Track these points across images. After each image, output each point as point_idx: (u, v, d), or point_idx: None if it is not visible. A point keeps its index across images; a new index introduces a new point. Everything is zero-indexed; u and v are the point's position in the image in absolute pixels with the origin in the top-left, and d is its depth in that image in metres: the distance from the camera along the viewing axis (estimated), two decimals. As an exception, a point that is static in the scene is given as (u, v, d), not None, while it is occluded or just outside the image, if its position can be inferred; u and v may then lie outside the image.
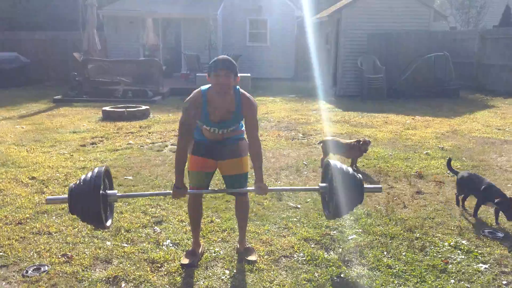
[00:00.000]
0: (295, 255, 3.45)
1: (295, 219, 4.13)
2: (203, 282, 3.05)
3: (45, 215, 4.16)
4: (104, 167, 3.10)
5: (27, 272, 3.13)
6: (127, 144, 7.13)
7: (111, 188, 3.29)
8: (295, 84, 16.87)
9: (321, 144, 5.82)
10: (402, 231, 3.85)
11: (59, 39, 17.27)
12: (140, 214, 4.18)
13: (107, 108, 9.61)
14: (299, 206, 4.46)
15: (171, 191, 3.15)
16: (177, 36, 18.38)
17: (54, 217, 4.11)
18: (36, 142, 7.15)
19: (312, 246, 3.61)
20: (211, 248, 3.56)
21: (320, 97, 12.88)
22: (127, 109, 9.49)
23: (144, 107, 9.84)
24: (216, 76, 2.92)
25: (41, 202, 4.47)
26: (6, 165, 5.78)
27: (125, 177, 5.31)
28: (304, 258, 3.39)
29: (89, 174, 2.98)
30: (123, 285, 3.01)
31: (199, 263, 3.30)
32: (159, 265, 3.27)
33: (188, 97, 3.10)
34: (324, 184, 3.30)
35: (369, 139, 5.75)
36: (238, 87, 3.08)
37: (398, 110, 10.57)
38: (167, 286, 3.00)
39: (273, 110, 10.78)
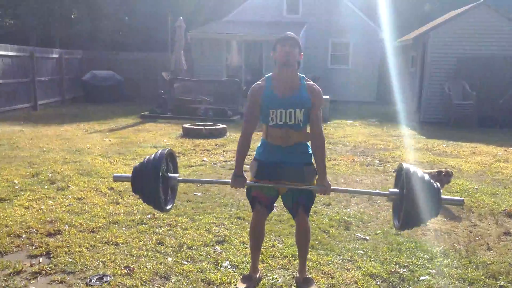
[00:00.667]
0: (357, 291, 3.23)
1: (361, 252, 3.89)
2: (256, 309, 2.95)
3: (116, 225, 4.32)
4: (167, 150, 3.13)
5: (90, 280, 3.24)
6: (202, 161, 7.29)
7: (175, 171, 3.31)
8: (377, 108, 16.37)
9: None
10: (483, 277, 3.46)
11: (150, 59, 18.34)
12: (204, 232, 4.20)
13: (187, 126, 9.95)
14: (367, 237, 4.21)
15: (230, 180, 3.12)
16: (259, 58, 18.72)
17: (124, 228, 4.26)
18: (119, 155, 7.55)
19: (378, 283, 3.36)
20: (270, 274, 3.45)
21: (402, 122, 12.34)
22: (205, 127, 9.75)
23: (221, 126, 10.06)
24: (282, 47, 2.97)
25: (114, 212, 4.67)
26: (90, 174, 6.14)
27: (194, 193, 5.39)
28: (366, 295, 3.17)
29: (153, 156, 3.04)
30: (177, 303, 3.00)
31: (255, 288, 3.21)
32: (215, 287, 3.22)
33: (253, 85, 3.13)
34: (395, 190, 3.06)
35: (452, 170, 5.34)
36: (303, 75, 3.09)
37: (489, 139, 9.79)
38: (220, 309, 2.94)
39: (350, 134, 10.49)
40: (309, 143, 3.19)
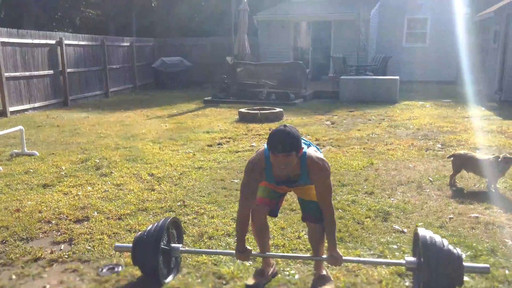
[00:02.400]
0: (379, 293, 2.88)
1: (394, 246, 3.50)
2: (261, 309, 2.72)
3: (144, 212, 4.29)
4: (170, 219, 3.05)
5: (102, 270, 3.20)
6: (250, 146, 7.12)
7: (180, 239, 3.26)
8: (454, 88, 15.12)
9: (451, 158, 4.93)
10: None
11: (217, 44, 18.42)
12: (229, 221, 4.03)
13: (243, 110, 9.83)
14: (405, 230, 3.80)
15: (234, 252, 2.94)
16: (327, 39, 18.06)
17: (150, 216, 4.21)
18: (170, 140, 7.60)
19: (406, 284, 2.98)
20: (287, 269, 3.20)
21: (479, 103, 11.28)
22: (261, 111, 9.56)
23: (278, 110, 9.81)
24: (274, 156, 2.52)
25: (146, 199, 4.65)
26: (135, 160, 6.22)
27: (232, 180, 5.25)
28: (388, 299, 2.81)
29: (153, 226, 2.97)
30: (180, 298, 2.86)
31: (268, 285, 2.99)
32: (224, 282, 3.04)
33: (251, 158, 2.79)
34: (411, 259, 2.80)
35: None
36: (305, 150, 2.68)
37: None
38: (222, 307, 2.75)
39: (416, 116, 9.75)
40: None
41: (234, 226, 3.90)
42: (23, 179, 5.29)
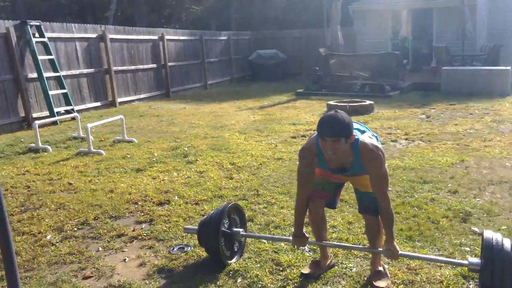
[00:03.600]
0: (437, 294, 2.78)
1: (467, 249, 3.32)
2: (312, 298, 2.78)
3: (219, 199, 4.53)
4: (230, 204, 3.23)
5: (173, 249, 3.49)
6: (333, 139, 7.07)
7: (243, 223, 3.42)
8: None
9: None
10: None
11: (311, 35, 18.37)
12: (298, 212, 4.10)
13: (331, 102, 9.75)
14: (479, 231, 3.56)
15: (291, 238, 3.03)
16: (429, 27, 17.05)
17: (225, 202, 4.44)
18: (256, 131, 7.84)
19: (470, 286, 2.83)
20: (346, 262, 3.21)
21: None
22: (350, 104, 9.41)
23: (368, 102, 9.57)
24: (323, 142, 2.53)
25: (223, 186, 4.90)
26: (220, 150, 6.54)
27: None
28: (446, 301, 2.70)
29: (215, 211, 3.20)
30: (238, 280, 3.02)
31: (323, 275, 3.03)
32: (281, 269, 3.14)
33: (304, 144, 2.83)
34: (475, 260, 2.64)
35: None
36: (358, 137, 2.63)
37: None
38: (276, 293, 2.86)
39: (525, 111, 8.89)
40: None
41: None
42: (121, 164, 5.86)
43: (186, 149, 6.55)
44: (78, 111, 9.83)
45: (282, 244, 3.51)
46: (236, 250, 3.30)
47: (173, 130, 8.05)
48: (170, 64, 13.45)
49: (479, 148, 6.05)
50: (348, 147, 2.57)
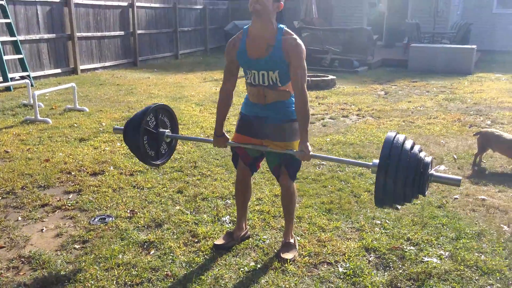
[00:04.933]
0: (338, 266, 2.87)
1: (378, 222, 3.43)
2: (216, 270, 2.83)
3: (155, 170, 4.54)
4: (157, 105, 3.13)
5: (94, 219, 3.51)
6: (287, 113, 7.10)
7: (174, 127, 3.32)
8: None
9: (478, 136, 4.59)
10: (506, 268, 2.78)
11: (290, 8, 18.10)
12: (230, 185, 4.14)
13: (294, 76, 9.73)
14: (399, 207, 3.67)
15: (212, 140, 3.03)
16: (405, 3, 17.00)
17: (160, 174, 4.45)
18: (213, 103, 7.77)
19: (370, 258, 2.94)
20: (261, 234, 3.28)
21: None
22: (312, 78, 9.41)
23: (330, 77, 9.59)
24: None
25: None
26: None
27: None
28: (344, 272, 2.80)
29: (141, 110, 3.10)
30: (151, 252, 3.06)
31: (235, 247, 3.09)
32: (196, 241, 3.19)
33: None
34: (377, 161, 2.54)
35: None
36: (283, 26, 2.71)
37: None
38: (183, 264, 2.91)
39: (483, 90, 9.03)
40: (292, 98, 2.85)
41: (232, 190, 4.04)
42: (65, 133, 5.80)
43: (136, 119, 6.49)
44: (36, 77, 9.62)
45: (205, 216, 3.56)
46: (163, 152, 3.25)
47: (129, 100, 7.97)
48: (139, 32, 13.17)
49: (422, 125, 6.16)
50: (272, 11, 2.64)
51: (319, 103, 7.85)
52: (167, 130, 3.23)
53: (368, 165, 2.66)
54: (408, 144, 2.41)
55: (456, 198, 3.83)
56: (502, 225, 3.32)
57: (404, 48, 15.45)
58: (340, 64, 12.64)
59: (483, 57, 14.84)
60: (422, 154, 2.41)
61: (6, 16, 8.91)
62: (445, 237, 3.15)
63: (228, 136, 3.01)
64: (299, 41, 2.69)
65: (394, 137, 2.42)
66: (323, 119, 6.73)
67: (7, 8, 8.92)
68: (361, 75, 11.49)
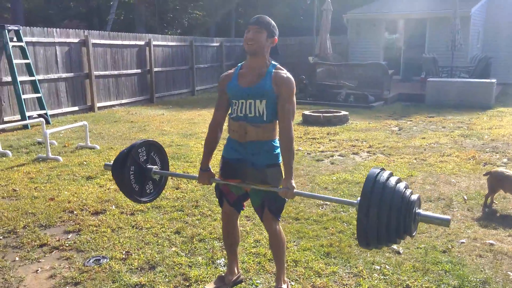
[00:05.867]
0: (331, 314, 2.75)
1: (377, 267, 3.29)
2: (205, 316, 2.76)
3: (157, 210, 4.52)
4: (146, 140, 3.12)
5: (88, 261, 3.48)
6: (296, 150, 7.06)
7: (163, 163, 3.27)
8: None
9: (487, 176, 4.44)
10: None
11: (306, 43, 18.37)
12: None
13: (306, 112, 9.74)
14: (401, 251, 3.54)
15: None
16: (422, 38, 17.02)
17: (160, 213, 4.43)
18: (223, 140, 7.81)
19: (366, 308, 2.81)
20: (255, 278, 3.19)
21: None
22: (324, 114, 9.39)
23: (343, 113, 9.54)
24: (246, 32, 2.71)
25: (166, 197, 4.88)
26: (179, 158, 6.51)
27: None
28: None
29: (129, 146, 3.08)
30: (141, 295, 3.01)
31: (228, 292, 3.01)
32: (187, 284, 3.12)
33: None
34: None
35: None
36: (276, 64, 2.75)
37: None
38: (172, 309, 2.84)
39: (501, 125, 8.83)
40: (278, 141, 2.82)
41: (231, 230, 3.97)
42: (74, 171, 5.87)
43: (145, 157, 6.55)
44: (54, 115, 9.88)
45: (199, 258, 3.50)
46: (148, 192, 3.16)
47: (140, 137, 8.06)
48: (156, 69, 13.50)
49: (434, 164, 6.02)
50: (266, 46, 2.70)
51: (329, 140, 7.79)
52: (154, 167, 3.20)
53: (352, 203, 2.54)
54: (392, 181, 2.33)
55: (463, 242, 3.67)
56: (509, 273, 3.15)
57: (421, 83, 15.37)
58: (355, 99, 12.63)
59: (505, 90, 14.63)
60: (407, 192, 2.32)
61: (25, 57, 9.27)
62: (446, 285, 3.00)
63: (213, 172, 2.97)
64: (290, 76, 2.72)
65: (378, 173, 2.34)
66: (332, 156, 6.65)
67: (26, 49, 9.28)
68: (376, 110, 11.41)
